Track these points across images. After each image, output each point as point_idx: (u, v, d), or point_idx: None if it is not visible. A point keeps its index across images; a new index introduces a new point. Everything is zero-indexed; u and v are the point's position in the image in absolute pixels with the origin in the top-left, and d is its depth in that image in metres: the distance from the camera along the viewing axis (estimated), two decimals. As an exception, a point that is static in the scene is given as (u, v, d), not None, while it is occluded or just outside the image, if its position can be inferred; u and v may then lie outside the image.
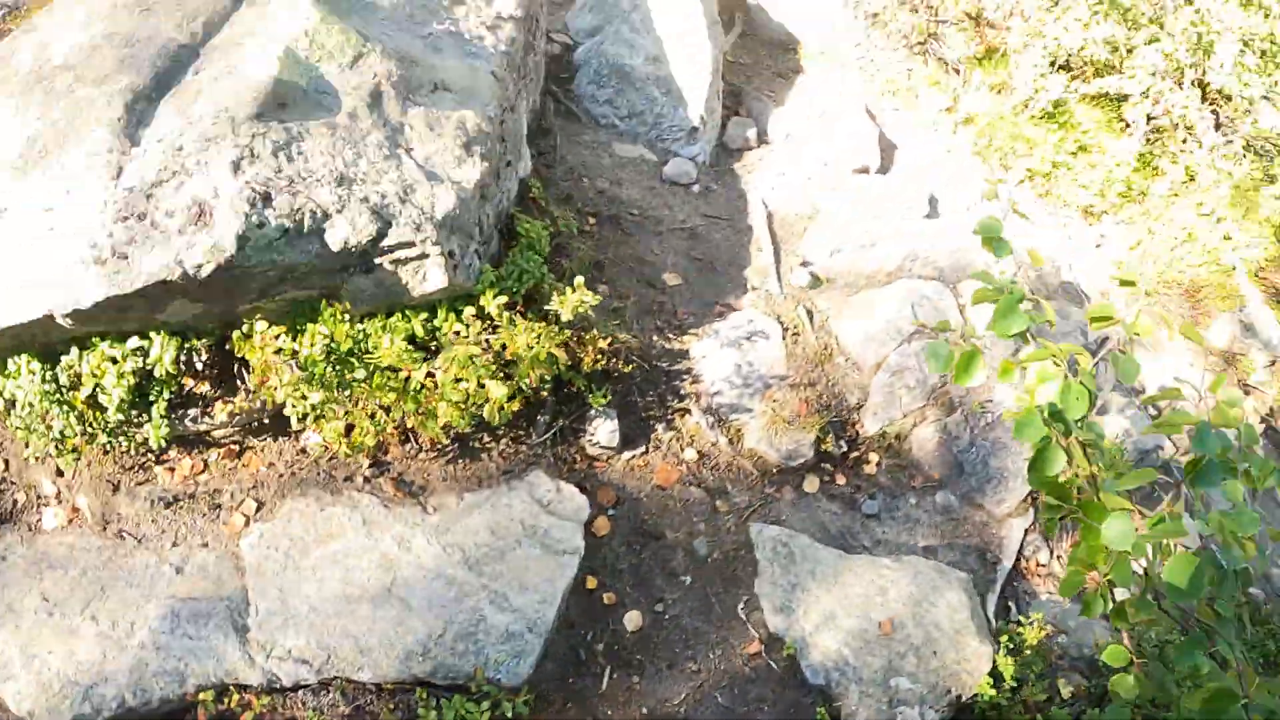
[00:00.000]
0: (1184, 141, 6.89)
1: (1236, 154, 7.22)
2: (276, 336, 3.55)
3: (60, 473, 3.47)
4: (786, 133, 5.90)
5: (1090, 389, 2.57)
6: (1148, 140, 6.96)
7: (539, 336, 3.42)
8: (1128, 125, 6.69)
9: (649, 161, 5.26)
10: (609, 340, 3.88)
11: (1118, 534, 2.48)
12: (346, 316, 3.62)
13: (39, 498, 3.42)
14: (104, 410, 3.31)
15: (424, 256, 3.51)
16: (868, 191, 5.47)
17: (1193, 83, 6.99)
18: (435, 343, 3.75)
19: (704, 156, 5.47)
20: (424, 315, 3.75)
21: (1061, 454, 2.62)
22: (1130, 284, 5.81)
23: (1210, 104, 7.27)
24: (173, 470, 3.54)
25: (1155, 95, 6.54)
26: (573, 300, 3.59)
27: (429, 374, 3.55)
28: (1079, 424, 2.56)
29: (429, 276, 3.59)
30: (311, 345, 3.57)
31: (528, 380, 3.42)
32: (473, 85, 4.11)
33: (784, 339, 4.55)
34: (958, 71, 6.66)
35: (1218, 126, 7.32)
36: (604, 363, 3.94)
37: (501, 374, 3.50)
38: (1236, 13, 7.07)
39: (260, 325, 3.60)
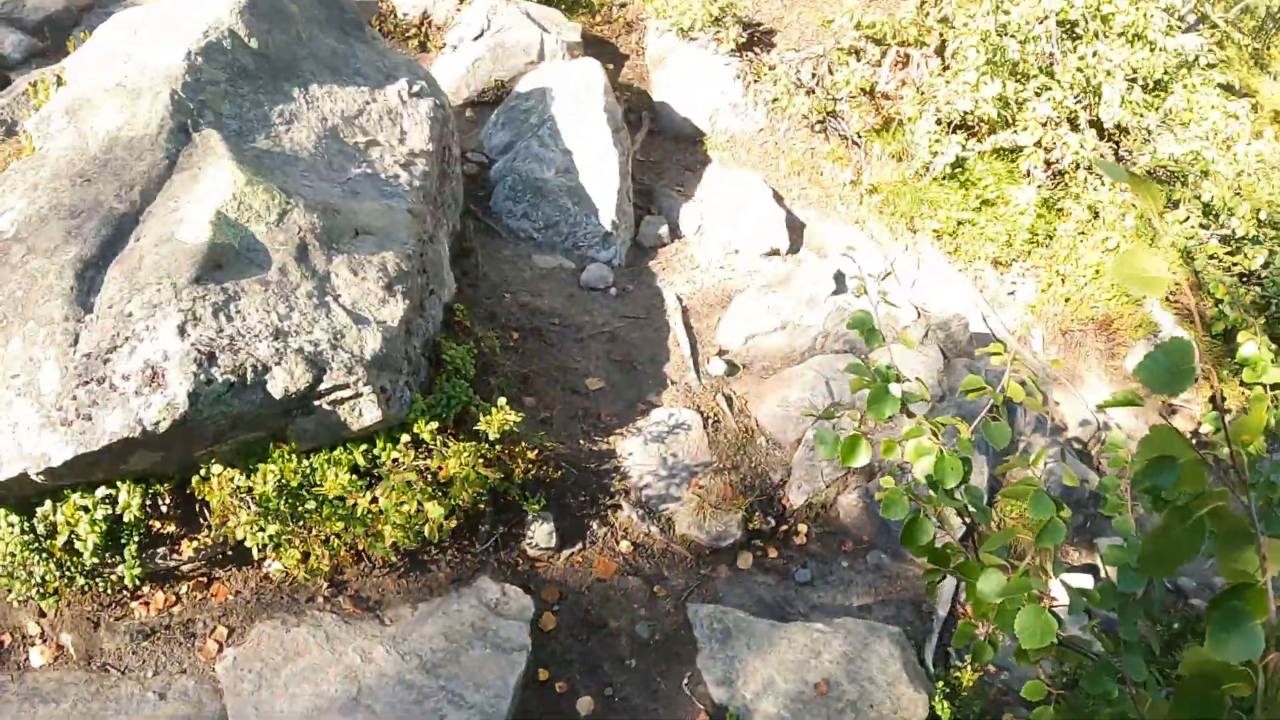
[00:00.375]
0: (1085, 181, 7.95)
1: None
2: (232, 479, 4.25)
3: (43, 614, 4.09)
4: (697, 225, 6.81)
5: (963, 458, 3.35)
6: (1050, 185, 8.02)
7: (468, 458, 4.17)
8: (1028, 174, 7.74)
9: (567, 269, 6.10)
10: (537, 451, 4.64)
11: (990, 589, 3.20)
12: (294, 454, 4.35)
13: (25, 638, 4.04)
14: (80, 555, 3.97)
15: (358, 396, 4.26)
16: (778, 275, 6.36)
17: (1088, 123, 8.10)
18: (377, 470, 4.47)
19: (619, 259, 6.33)
20: (364, 446, 4.49)
21: (929, 525, 3.37)
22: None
23: (1109, 140, 8.38)
24: (148, 604, 4.18)
25: (1049, 144, 7.60)
26: (497, 420, 4.35)
27: (373, 500, 4.27)
28: (955, 491, 3.31)
29: (364, 413, 4.33)
30: (264, 483, 4.27)
31: (462, 499, 4.16)
32: (391, 225, 4.93)
33: (705, 428, 5.34)
34: (858, 144, 7.68)
35: (1118, 160, 8.42)
36: (535, 471, 4.69)
37: (439, 494, 4.24)
38: (1123, 50, 8.24)
39: (216, 468, 4.29)
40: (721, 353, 5.87)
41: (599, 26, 8.17)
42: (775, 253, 6.84)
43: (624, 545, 4.93)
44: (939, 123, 7.49)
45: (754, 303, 6.04)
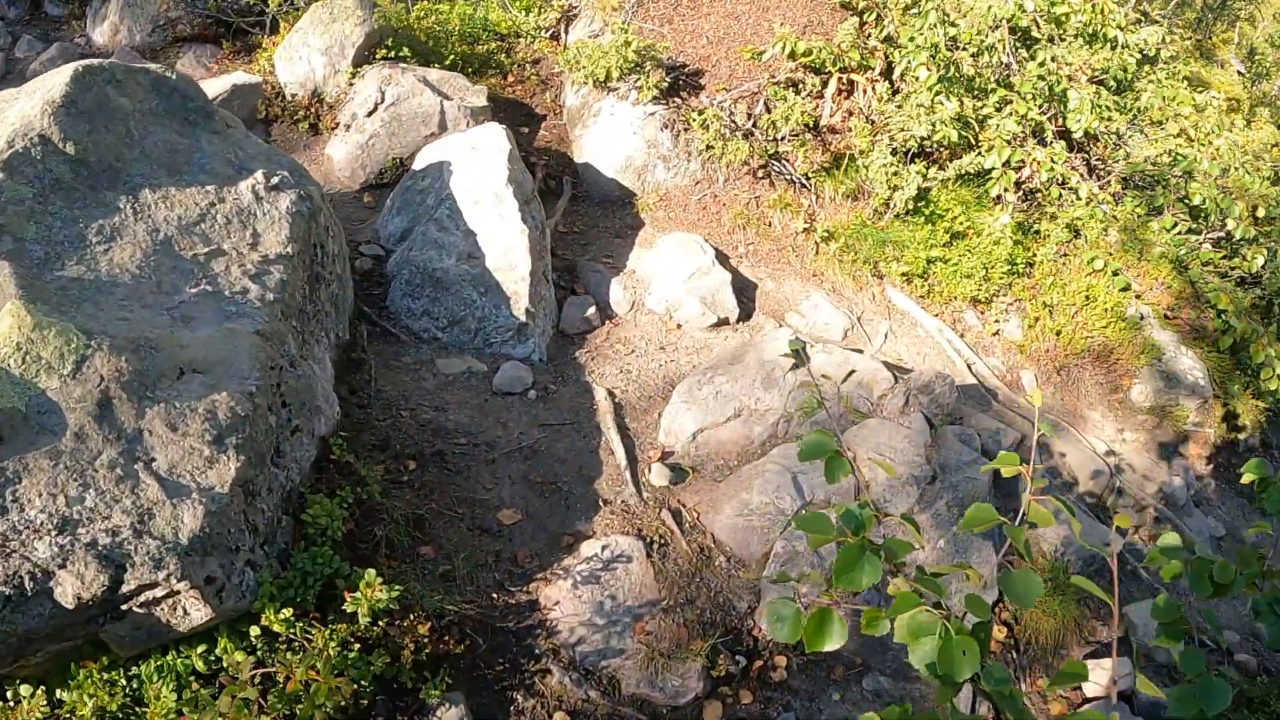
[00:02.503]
0: (1059, 197, 6.96)
1: (1116, 194, 7.32)
2: (44, 702, 3.21)
3: None
4: (631, 301, 5.79)
5: (980, 639, 2.29)
6: (1023, 207, 7.02)
7: (326, 660, 3.09)
8: (999, 199, 6.74)
9: (478, 373, 5.07)
10: (430, 625, 3.56)
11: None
12: (115, 665, 3.29)
13: None
14: None
15: (173, 594, 3.19)
16: (727, 351, 5.33)
17: (1056, 134, 7.13)
18: (222, 674, 3.39)
19: (539, 353, 5.30)
20: (203, 646, 3.42)
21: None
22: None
23: (1078, 151, 7.41)
24: None
25: (1017, 163, 6.61)
26: (367, 601, 3.28)
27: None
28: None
29: (189, 611, 3.27)
30: (81, 707, 3.22)
31: (316, 717, 3.07)
32: (230, 355, 3.89)
33: (650, 557, 4.27)
34: (807, 187, 6.68)
35: (1090, 171, 7.44)
36: (432, 647, 3.61)
37: (292, 708, 3.15)
38: (1082, 52, 7.30)
39: (24, 689, 3.26)
40: (665, 455, 4.81)
41: (511, 87, 7.21)
42: (724, 323, 5.82)
43: (558, 718, 3.83)
44: (894, 153, 6.51)
45: (700, 389, 4.99)
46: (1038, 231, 7.13)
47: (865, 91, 6.55)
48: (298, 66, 6.75)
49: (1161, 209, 7.16)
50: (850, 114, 6.66)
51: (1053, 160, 6.84)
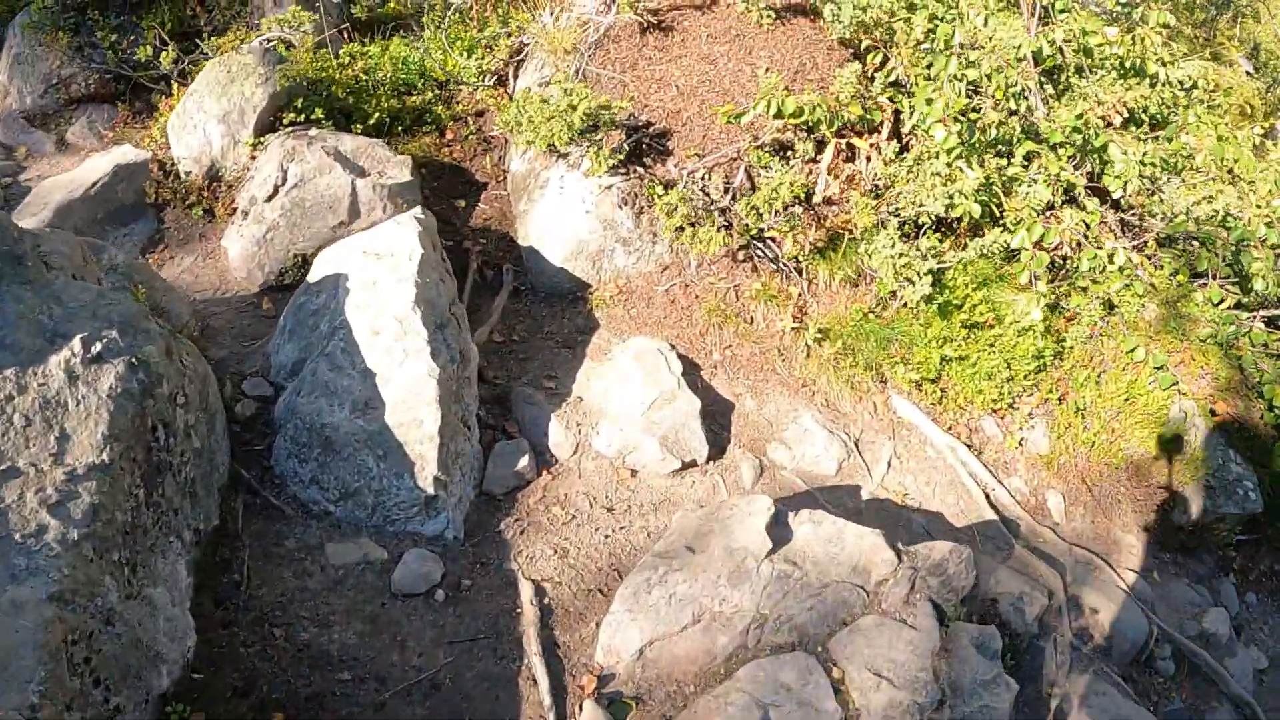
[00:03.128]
0: (1092, 268, 5.74)
1: (1153, 255, 6.09)
2: None
3: None
4: (575, 443, 4.73)
5: None
6: (1051, 281, 5.83)
7: None
8: (1029, 283, 5.53)
9: (375, 564, 4.07)
10: None
11: None
12: None
13: None
14: None
15: None
16: (688, 528, 4.26)
17: (1087, 189, 5.89)
18: None
19: (453, 529, 4.29)
20: None
21: None
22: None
23: (1109, 203, 6.18)
24: None
25: (1052, 244, 5.40)
26: None
27: None
28: None
29: None
30: None
31: None
32: (5, 651, 2.90)
33: None
34: (799, 272, 5.52)
35: (1124, 228, 6.20)
36: None
37: None
38: (1115, 88, 6.03)
39: None
40: (604, 681, 3.81)
41: (449, 147, 6.06)
42: (691, 465, 4.76)
43: None
44: (903, 229, 5.32)
45: (650, 590, 3.97)
46: (1064, 309, 5.94)
47: (869, 158, 5.33)
48: (192, 138, 5.64)
49: (1205, 273, 5.89)
50: (851, 181, 5.46)
51: (1086, 224, 5.62)
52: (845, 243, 5.52)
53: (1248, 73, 8.79)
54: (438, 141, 6.04)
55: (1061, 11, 5.94)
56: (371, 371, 4.41)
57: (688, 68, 5.77)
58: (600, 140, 5.30)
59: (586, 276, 5.47)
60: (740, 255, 5.53)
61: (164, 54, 5.84)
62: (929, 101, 5.02)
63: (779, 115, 5.16)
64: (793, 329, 5.37)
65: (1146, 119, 6.23)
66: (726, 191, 5.38)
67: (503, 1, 6.35)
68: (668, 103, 5.66)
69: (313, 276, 4.84)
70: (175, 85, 5.92)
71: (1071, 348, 5.85)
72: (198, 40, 6.11)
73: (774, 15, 5.85)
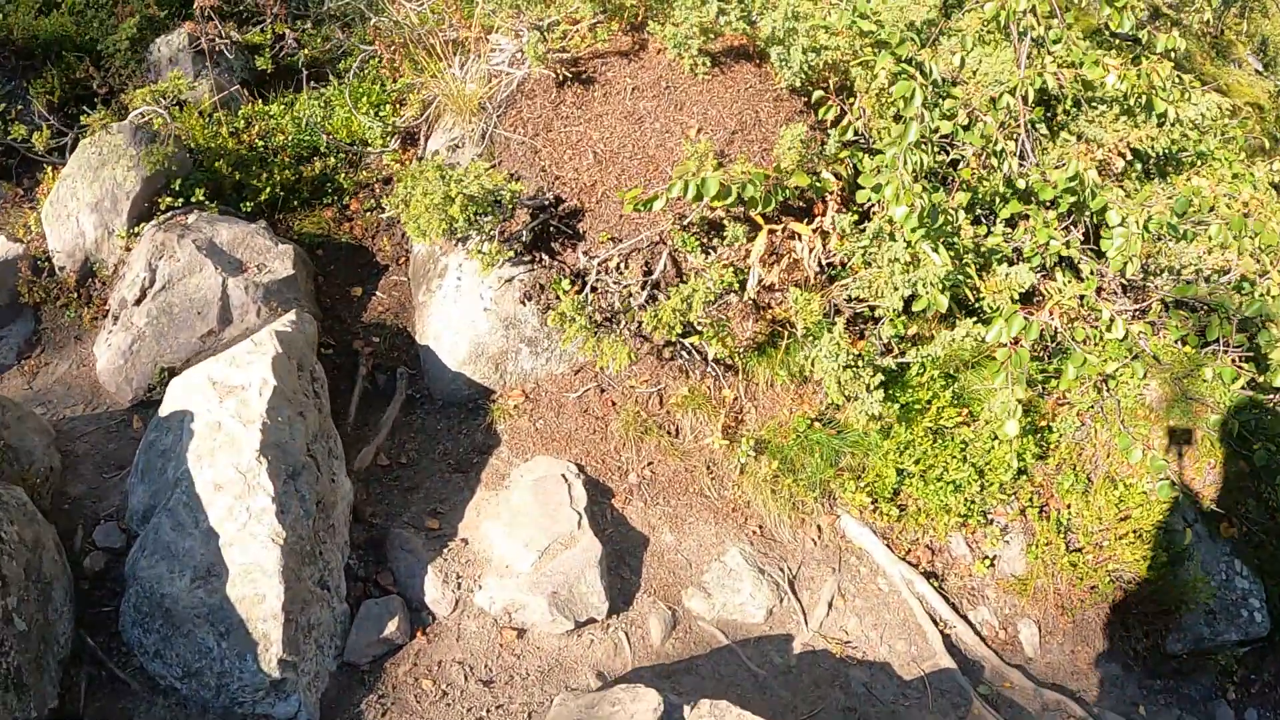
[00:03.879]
0: (1085, 339, 4.83)
1: (1156, 322, 5.14)
2: None
3: None
4: (456, 598, 4.11)
5: None
6: (1035, 358, 4.95)
7: None
8: (1004, 376, 4.66)
9: (207, 768, 3.53)
10: None
11: None
12: None
13: None
14: None
15: None
16: (569, 702, 3.61)
17: (1082, 248, 4.96)
18: None
19: (306, 712, 3.74)
20: None
21: None
22: None
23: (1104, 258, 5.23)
24: None
25: (1031, 338, 4.51)
26: None
27: None
28: None
29: None
30: None
31: None
32: None
33: None
34: (735, 371, 4.74)
35: (1123, 290, 5.25)
36: None
37: None
38: (1117, 125, 5.08)
39: None
40: None
41: (350, 222, 5.40)
42: (590, 622, 4.10)
43: None
44: (858, 317, 4.51)
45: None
46: (1048, 385, 5.06)
47: (811, 247, 4.47)
48: (65, 229, 5.07)
49: (1214, 340, 4.89)
50: (793, 269, 4.62)
51: (1080, 299, 4.72)
52: (788, 338, 4.71)
53: (1256, 70, 7.56)
54: (338, 215, 5.36)
55: (1055, 42, 4.94)
56: (215, 533, 3.84)
57: (608, 128, 4.95)
58: (491, 231, 4.56)
59: (488, 381, 4.79)
60: (665, 353, 4.78)
61: (37, 135, 5.24)
62: (877, 189, 4.14)
63: (700, 197, 4.34)
64: (725, 441, 4.62)
65: (1153, 156, 5.25)
66: (646, 284, 4.61)
67: (417, 47, 5.58)
68: (582, 173, 4.87)
69: (164, 408, 4.26)
70: (50, 169, 5.33)
71: (1058, 442, 4.99)
72: (86, 108, 5.50)
73: (710, 62, 4.97)
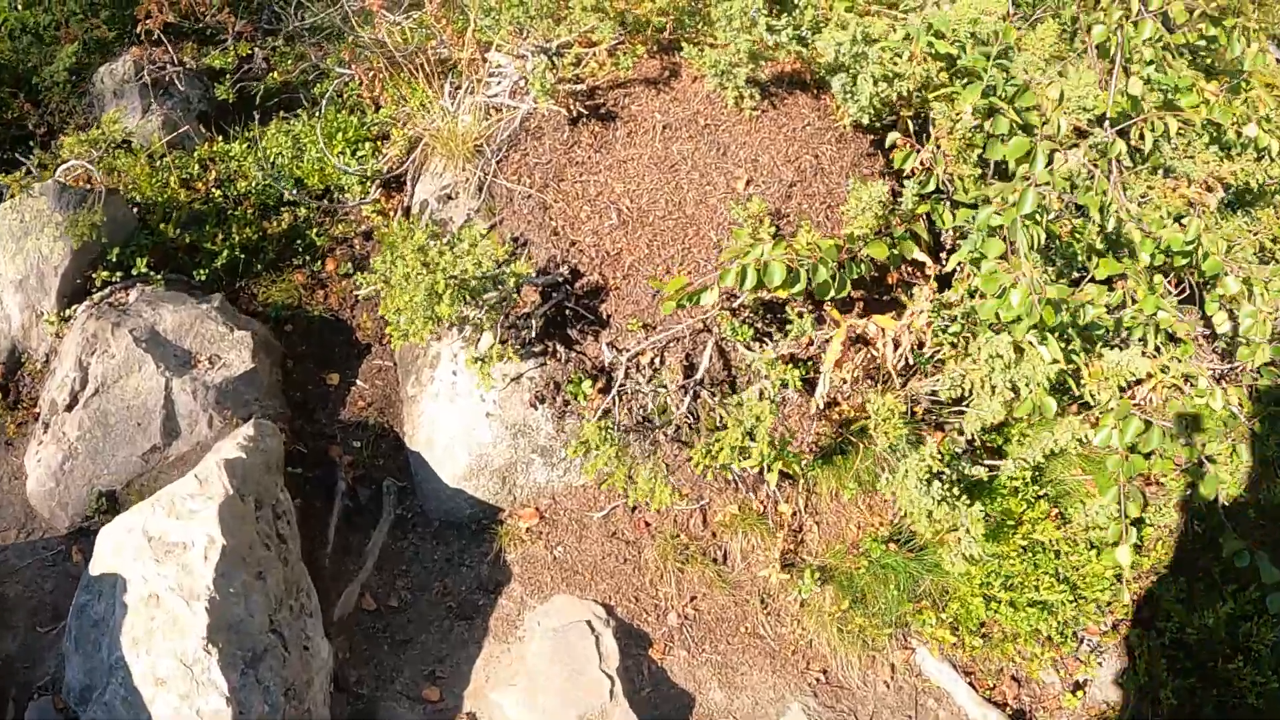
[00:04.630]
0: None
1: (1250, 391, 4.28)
2: None
3: None
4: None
5: None
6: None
7: None
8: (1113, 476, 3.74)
9: None
10: None
11: None
12: None
13: None
14: None
15: None
16: None
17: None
18: None
19: None
20: None
21: None
22: None
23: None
24: None
25: (1149, 447, 3.60)
26: None
27: None
28: None
29: None
30: None
31: None
32: None
33: None
34: (793, 478, 3.84)
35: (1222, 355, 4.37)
36: None
37: None
38: (1208, 156, 4.16)
39: None
40: None
41: (321, 290, 4.47)
42: (620, 824, 3.29)
43: None
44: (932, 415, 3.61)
45: None
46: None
47: (898, 343, 3.52)
48: (-15, 310, 4.20)
49: None
50: (869, 369, 3.67)
51: (1187, 378, 3.80)
52: (862, 442, 3.80)
53: (1278, 60, 6.50)
54: (310, 280, 4.43)
55: (1149, 63, 3.92)
56: (149, 742, 3.03)
57: (635, 178, 3.98)
58: (491, 325, 3.62)
59: (494, 498, 3.91)
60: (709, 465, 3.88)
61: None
62: (1000, 295, 3.19)
63: (760, 286, 3.39)
64: (782, 568, 3.74)
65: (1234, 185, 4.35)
66: (688, 387, 3.68)
67: (401, 72, 4.58)
68: (604, 237, 3.92)
69: (95, 564, 3.41)
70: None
71: (1158, 538, 4.13)
72: (20, 155, 4.55)
73: (759, 94, 3.96)
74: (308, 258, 4.48)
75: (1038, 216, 3.41)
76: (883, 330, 3.53)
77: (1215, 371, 4.28)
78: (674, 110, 4.09)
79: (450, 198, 4.29)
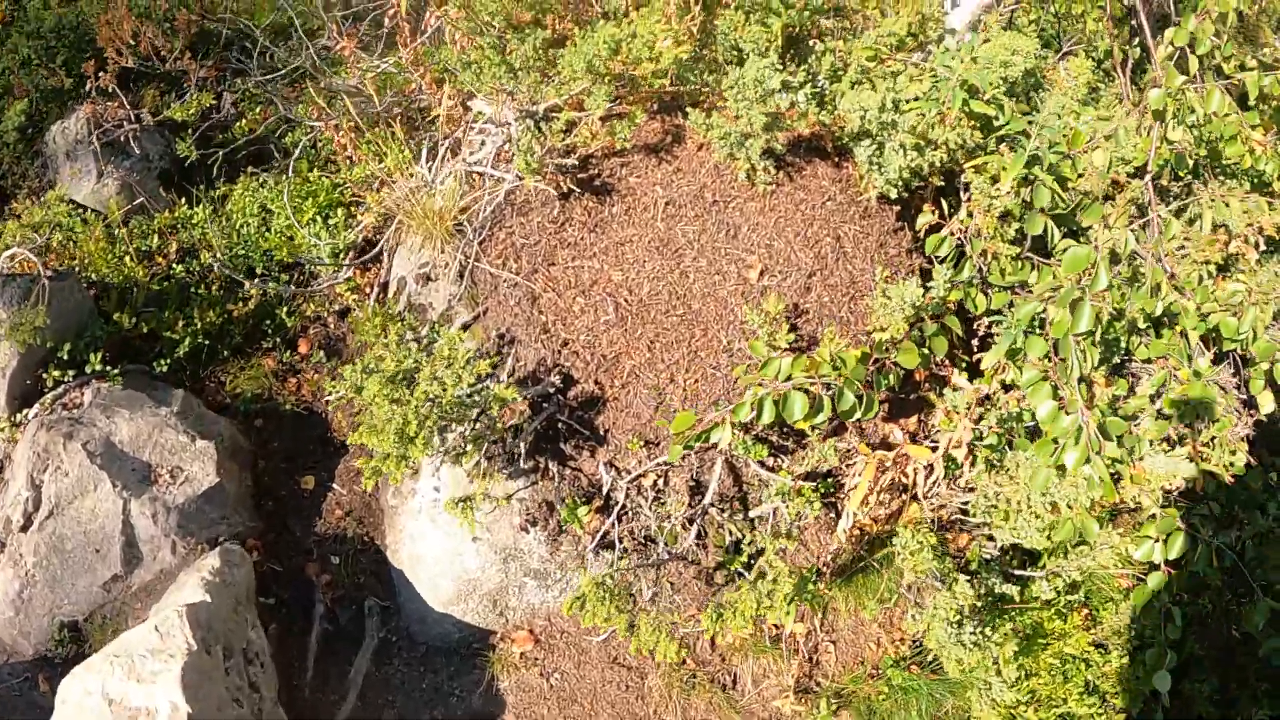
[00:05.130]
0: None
1: None
2: None
3: None
4: None
5: None
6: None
7: None
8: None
9: None
10: None
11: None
12: None
13: None
14: None
15: None
16: None
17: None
18: None
19: None
20: None
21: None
22: None
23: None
24: None
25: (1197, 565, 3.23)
26: None
27: None
28: None
29: None
30: None
31: None
32: None
33: None
34: (808, 602, 3.49)
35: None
36: None
37: None
38: (1250, 203, 3.69)
39: None
40: None
41: (294, 379, 4.09)
42: None
43: None
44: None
45: None
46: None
47: (930, 471, 3.12)
48: (-69, 411, 3.84)
49: None
50: (905, 481, 3.28)
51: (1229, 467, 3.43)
52: (882, 558, 3.43)
53: None
54: (281, 367, 4.03)
55: (1190, 110, 3.42)
56: None
57: (634, 264, 3.53)
58: (479, 444, 3.23)
59: (485, 622, 3.58)
60: (718, 576, 3.53)
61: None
62: (1054, 423, 2.76)
63: (779, 419, 2.98)
64: (796, 694, 3.42)
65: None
66: (695, 515, 3.30)
67: (377, 126, 4.09)
68: (599, 335, 3.49)
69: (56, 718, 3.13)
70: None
71: (1191, 632, 3.79)
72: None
73: (774, 167, 3.48)
74: (278, 339, 4.08)
75: (1094, 334, 2.98)
76: (910, 456, 3.13)
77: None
78: (677, 183, 3.62)
79: (429, 279, 3.85)
